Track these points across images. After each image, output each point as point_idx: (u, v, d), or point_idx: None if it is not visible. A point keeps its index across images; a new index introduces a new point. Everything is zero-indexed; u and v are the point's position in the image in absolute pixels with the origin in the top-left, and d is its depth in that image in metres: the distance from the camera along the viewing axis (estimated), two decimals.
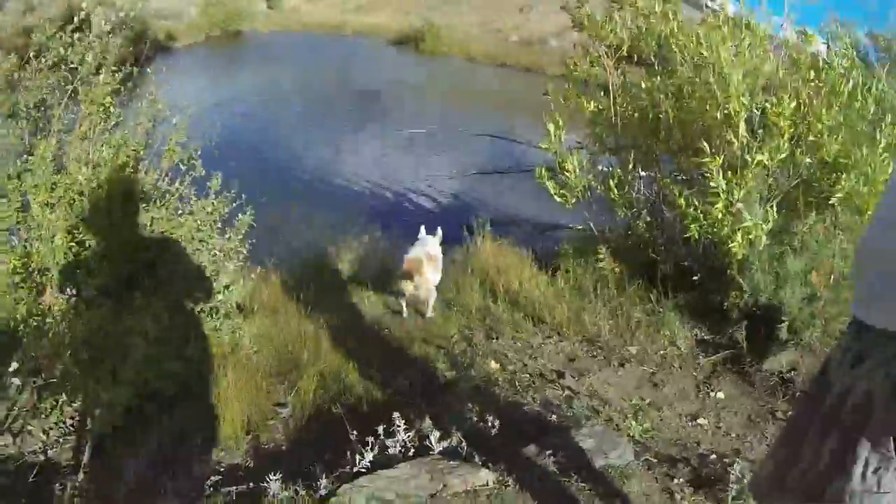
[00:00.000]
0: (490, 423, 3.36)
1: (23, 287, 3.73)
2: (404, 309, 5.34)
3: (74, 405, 3.53)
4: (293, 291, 5.42)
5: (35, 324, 3.49)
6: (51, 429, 3.53)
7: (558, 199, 5.25)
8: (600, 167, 5.63)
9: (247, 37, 32.47)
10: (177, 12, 31.75)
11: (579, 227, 5.89)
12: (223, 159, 11.98)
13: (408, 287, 5.13)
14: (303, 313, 4.98)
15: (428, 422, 3.36)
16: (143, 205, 3.75)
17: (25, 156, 4.00)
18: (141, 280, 3.88)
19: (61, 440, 3.54)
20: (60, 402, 3.31)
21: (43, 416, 3.35)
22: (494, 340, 4.79)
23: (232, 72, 25.05)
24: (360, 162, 12.84)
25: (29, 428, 3.53)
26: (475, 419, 3.54)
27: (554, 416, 3.76)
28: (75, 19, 4.29)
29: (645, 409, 3.94)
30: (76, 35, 4.19)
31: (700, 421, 3.91)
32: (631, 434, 3.60)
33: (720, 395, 4.19)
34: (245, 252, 4.81)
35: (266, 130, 15.34)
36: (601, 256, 5.18)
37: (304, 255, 7.02)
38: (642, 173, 5.44)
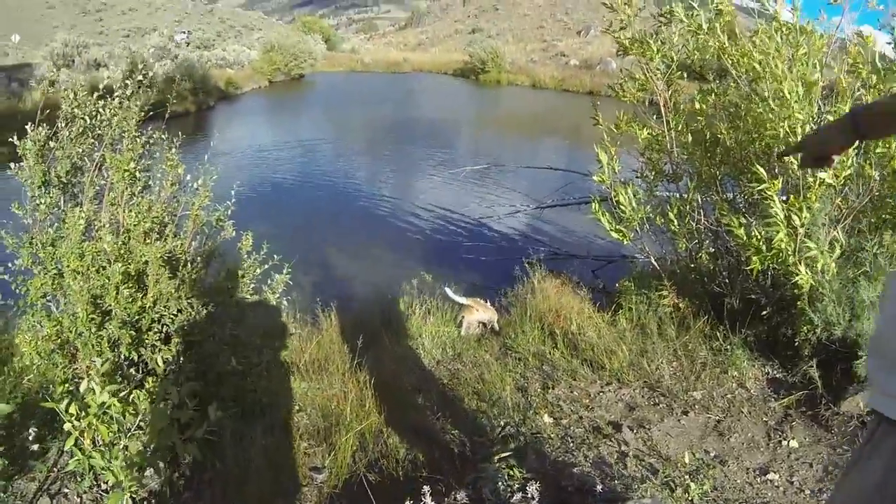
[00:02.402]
0: (530, 496, 3.09)
1: (58, 353, 3.72)
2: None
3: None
4: (343, 340, 5.24)
5: (70, 388, 3.45)
6: (84, 493, 3.47)
7: (615, 236, 4.97)
8: (659, 194, 5.32)
9: (308, 79, 33.13)
10: (238, 60, 32.77)
11: (637, 257, 5.57)
12: (276, 201, 12.43)
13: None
14: (351, 364, 4.77)
15: (462, 494, 3.12)
16: (166, 271, 3.67)
17: (57, 224, 4.02)
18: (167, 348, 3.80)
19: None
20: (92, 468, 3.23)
21: (79, 479, 3.28)
22: (550, 390, 4.51)
23: (292, 113, 25.68)
24: (418, 200, 12.95)
25: (65, 491, 3.50)
26: (516, 487, 3.27)
27: (604, 480, 3.46)
28: (101, 86, 4.29)
29: (708, 464, 3.61)
30: (101, 102, 4.18)
31: (770, 476, 3.57)
32: (690, 499, 3.27)
33: (793, 443, 3.84)
34: (283, 308, 4.69)
35: (322, 172, 15.70)
36: (664, 294, 4.86)
37: (358, 299, 6.92)
38: (702, 201, 5.09)
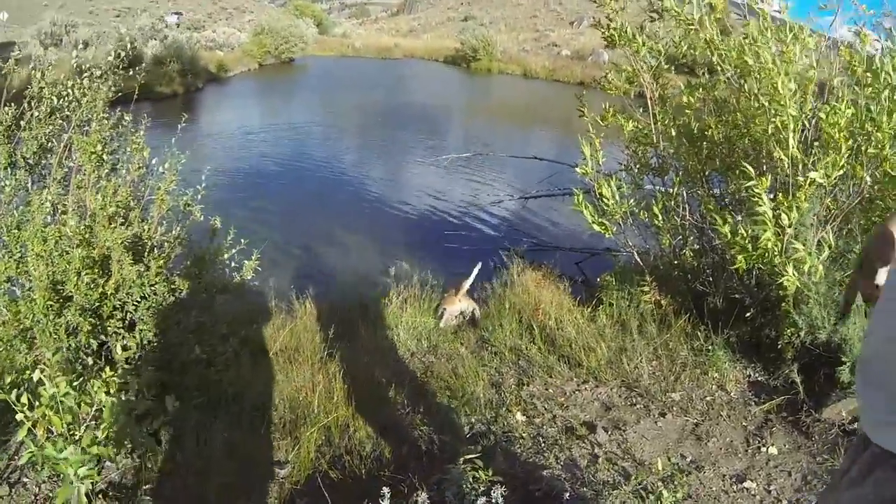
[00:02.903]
0: (494, 500, 2.99)
1: (19, 339, 3.63)
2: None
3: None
4: (317, 329, 5.13)
5: (25, 377, 3.36)
6: (43, 482, 3.40)
7: (597, 229, 4.83)
8: (645, 187, 5.20)
9: (298, 63, 33.00)
10: (228, 42, 32.59)
11: (620, 251, 5.45)
12: (259, 184, 12.33)
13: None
14: (322, 354, 4.67)
15: (423, 496, 3.01)
16: (130, 257, 3.56)
17: (23, 206, 3.92)
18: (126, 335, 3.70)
19: (51, 495, 3.38)
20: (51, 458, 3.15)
21: (38, 469, 3.19)
22: (525, 387, 4.41)
23: (280, 97, 25.61)
24: (403, 186, 12.88)
25: (24, 480, 3.43)
26: (481, 490, 3.17)
27: (574, 486, 3.35)
28: (73, 64, 4.17)
29: (683, 470, 3.51)
30: (70, 83, 4.06)
31: (747, 484, 3.47)
32: None
33: (772, 449, 3.73)
34: (256, 294, 4.60)
35: (308, 156, 15.60)
36: (645, 290, 4.75)
37: (336, 286, 6.82)
38: (688, 196, 4.97)
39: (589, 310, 5.24)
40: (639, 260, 5.19)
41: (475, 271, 5.79)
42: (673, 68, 5.09)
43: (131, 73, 4.42)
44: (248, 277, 4.40)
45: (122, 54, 4.20)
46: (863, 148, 4.02)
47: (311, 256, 8.71)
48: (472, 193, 12.02)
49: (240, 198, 11.25)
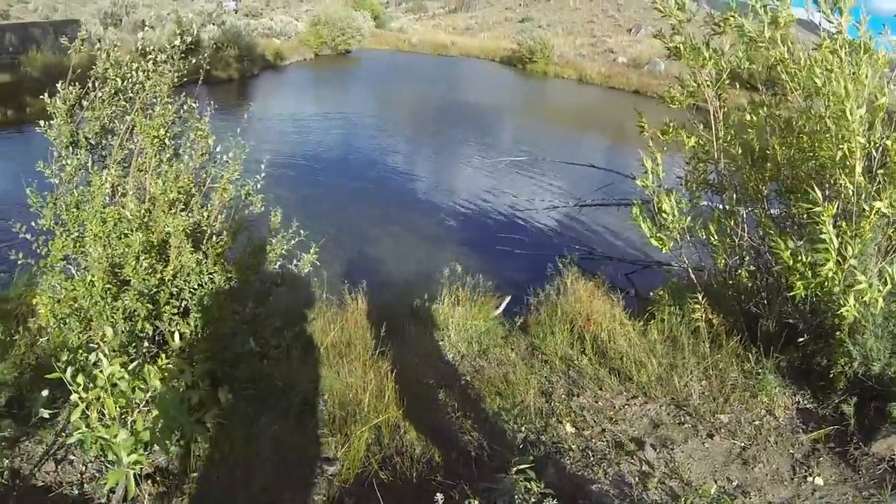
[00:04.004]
0: None
1: (74, 318, 3.62)
2: None
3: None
4: (368, 326, 5.10)
5: (81, 357, 3.35)
6: (90, 462, 3.40)
7: (654, 243, 4.79)
8: (703, 204, 5.14)
9: (354, 55, 33.02)
10: (286, 31, 32.65)
11: (672, 265, 5.38)
12: (311, 173, 12.33)
13: None
14: (373, 353, 4.64)
15: None
16: (189, 244, 3.54)
17: (83, 186, 3.91)
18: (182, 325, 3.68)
19: (98, 475, 3.38)
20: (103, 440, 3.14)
21: (86, 448, 3.18)
22: (575, 398, 4.39)
23: (335, 87, 25.70)
24: (456, 186, 12.85)
25: (71, 458, 3.43)
26: (532, 501, 3.14)
27: (622, 502, 3.32)
28: (139, 45, 4.15)
29: (730, 494, 3.47)
30: (134, 65, 4.04)
31: None
32: None
33: (818, 480, 3.69)
34: (310, 288, 4.58)
35: (362, 148, 15.66)
36: (697, 308, 4.70)
37: (387, 283, 6.81)
38: (747, 216, 4.91)
39: (640, 323, 5.20)
40: (693, 277, 5.13)
41: (504, 303, 5.87)
42: (737, 84, 5.02)
43: (193, 59, 4.40)
44: (305, 271, 4.38)
45: (188, 39, 4.17)
46: None
47: (363, 249, 8.75)
48: (526, 197, 11.97)
49: (292, 185, 11.37)
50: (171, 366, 3.21)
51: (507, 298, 5.94)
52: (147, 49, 4.14)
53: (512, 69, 35.07)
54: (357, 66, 31.88)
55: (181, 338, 3.45)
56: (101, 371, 3.00)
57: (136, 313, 3.48)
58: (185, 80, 4.30)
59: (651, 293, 5.60)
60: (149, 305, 3.50)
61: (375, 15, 43.86)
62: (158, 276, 3.54)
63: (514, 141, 17.89)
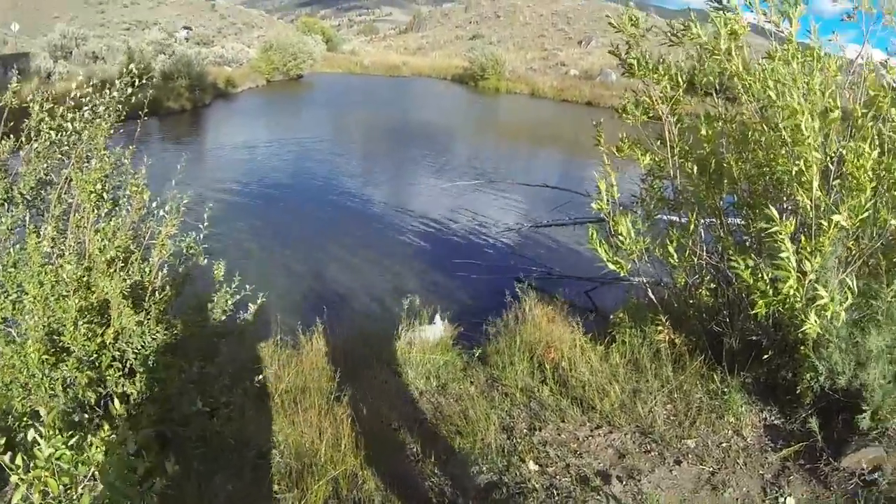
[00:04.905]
0: None
1: (16, 384, 3.49)
2: None
3: None
4: (323, 367, 4.99)
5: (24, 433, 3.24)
6: None
7: (612, 267, 4.67)
8: (660, 218, 5.06)
9: (306, 80, 33.09)
10: (237, 58, 32.61)
11: (632, 279, 5.30)
12: (263, 204, 12.22)
13: None
14: (328, 398, 4.53)
15: None
16: (129, 305, 3.42)
17: (20, 244, 3.77)
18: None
19: None
20: None
21: None
22: (537, 432, 4.29)
23: (287, 113, 25.63)
24: (410, 211, 12.66)
25: None
26: None
27: None
28: (73, 94, 3.99)
29: None
30: (70, 116, 3.90)
31: None
32: None
33: (790, 500, 3.61)
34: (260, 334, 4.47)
35: (314, 175, 15.59)
36: (660, 329, 4.62)
37: (343, 319, 6.69)
38: (705, 232, 4.83)
39: (602, 347, 5.12)
40: (653, 297, 5.05)
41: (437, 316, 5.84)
42: (691, 93, 4.94)
43: (141, 93, 4.26)
44: (252, 321, 4.26)
45: (129, 85, 4.02)
46: (890, 189, 3.89)
47: (319, 282, 8.60)
48: (482, 219, 11.95)
49: (246, 216, 11.33)
50: (114, 435, 3.10)
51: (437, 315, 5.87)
52: (85, 97, 4.00)
53: (464, 87, 35.34)
54: (309, 90, 31.94)
55: (127, 400, 3.35)
56: (40, 450, 2.89)
57: (76, 382, 3.36)
58: (132, 111, 4.19)
59: (612, 316, 5.50)
60: (90, 373, 3.38)
61: (327, 38, 44.08)
62: (99, 339, 3.42)
63: (468, 160, 17.82)
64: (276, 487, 3.71)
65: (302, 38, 35.15)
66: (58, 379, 3.31)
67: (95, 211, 3.77)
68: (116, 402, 3.25)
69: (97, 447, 2.97)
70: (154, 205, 3.90)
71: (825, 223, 3.77)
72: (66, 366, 3.31)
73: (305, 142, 18.88)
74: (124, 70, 4.20)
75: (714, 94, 4.87)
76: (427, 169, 16.44)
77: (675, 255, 4.66)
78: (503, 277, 7.76)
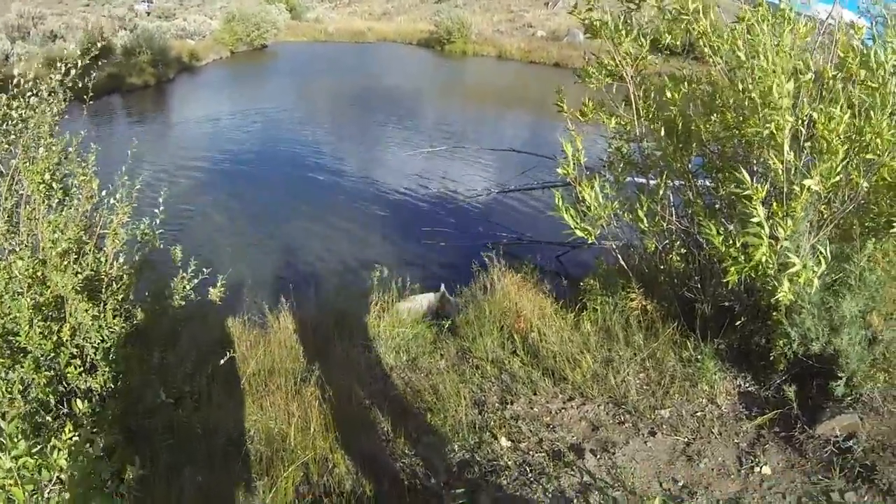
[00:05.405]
0: None
1: None
2: None
3: None
4: (293, 344, 4.92)
5: None
6: None
7: (580, 234, 4.55)
8: (630, 181, 4.96)
9: (270, 50, 32.56)
10: (199, 30, 31.91)
11: (603, 243, 5.21)
12: (228, 177, 12.05)
13: None
14: (297, 379, 4.45)
15: None
16: (84, 299, 3.32)
17: None
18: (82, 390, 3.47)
19: None
20: None
21: None
22: (508, 406, 4.25)
23: (252, 85, 25.06)
24: (378, 179, 12.44)
25: None
26: None
27: None
28: (16, 80, 3.81)
29: (675, 497, 3.39)
30: (15, 103, 3.72)
31: None
32: None
33: (766, 469, 3.61)
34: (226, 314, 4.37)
35: (279, 147, 15.26)
36: (631, 296, 4.56)
37: (311, 294, 6.62)
38: (674, 197, 4.75)
39: (573, 315, 5.06)
40: (623, 263, 4.99)
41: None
42: (658, 53, 4.82)
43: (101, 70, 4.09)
44: (216, 303, 4.14)
45: (73, 68, 3.85)
46: (862, 153, 3.81)
47: (285, 258, 8.44)
48: (450, 186, 11.77)
49: (212, 190, 11.16)
50: (77, 436, 3.03)
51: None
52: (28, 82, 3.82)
53: (430, 51, 34.78)
54: (274, 60, 31.23)
55: (90, 398, 3.27)
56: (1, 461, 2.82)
57: (35, 383, 3.27)
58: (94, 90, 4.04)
59: (582, 283, 5.42)
60: (48, 373, 3.28)
61: (290, 7, 43.03)
62: (55, 337, 3.32)
63: (435, 125, 17.51)
64: (247, 476, 3.66)
65: (265, 8, 34.43)
66: (15, 382, 3.22)
67: (46, 202, 3.64)
68: (78, 401, 3.18)
69: (60, 453, 2.90)
70: (105, 193, 3.76)
71: (797, 188, 3.70)
72: (23, 367, 3.22)
73: (270, 112, 18.57)
74: (76, 50, 4.04)
75: (680, 55, 4.75)
76: (394, 135, 16.21)
77: (645, 220, 4.56)
78: (474, 244, 7.70)
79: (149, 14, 37.12)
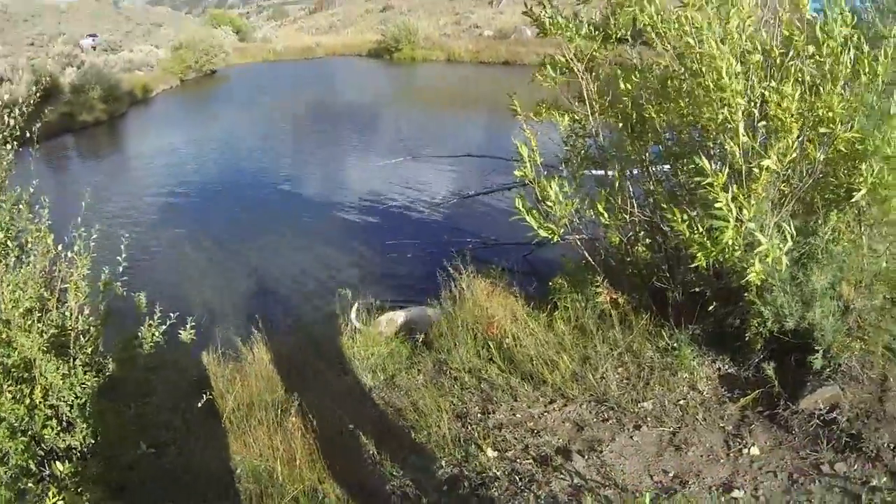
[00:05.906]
0: None
1: None
2: None
3: None
4: (270, 375, 4.86)
5: None
6: None
7: (544, 234, 4.51)
8: (588, 175, 4.95)
9: (221, 74, 32.59)
10: (147, 61, 31.63)
11: (567, 239, 5.18)
12: (188, 209, 11.95)
13: None
14: (276, 411, 4.37)
15: None
16: (52, 359, 3.25)
17: None
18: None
19: None
20: None
21: None
22: (491, 415, 4.23)
23: (204, 113, 24.97)
24: (337, 196, 12.54)
25: None
26: None
27: None
28: None
29: (667, 489, 3.40)
30: None
31: (735, 493, 3.34)
32: None
33: (754, 450, 3.62)
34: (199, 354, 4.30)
35: (237, 172, 15.28)
36: (599, 290, 4.56)
37: (282, 322, 6.63)
38: (634, 188, 4.75)
39: (545, 315, 5.05)
40: (590, 259, 4.98)
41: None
42: (606, 46, 4.80)
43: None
44: (188, 344, 4.08)
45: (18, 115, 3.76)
46: (816, 126, 3.83)
47: (253, 286, 8.39)
48: (411, 196, 11.81)
49: (175, 222, 11.13)
50: (63, 500, 2.98)
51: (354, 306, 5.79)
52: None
53: (380, 60, 35.19)
54: (225, 84, 31.27)
55: (70, 457, 3.21)
56: None
57: (13, 450, 3.20)
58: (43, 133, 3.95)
59: (550, 282, 5.40)
60: (23, 439, 3.21)
61: (237, 28, 43.14)
62: (27, 400, 3.26)
63: (392, 136, 17.63)
64: None
65: (211, 33, 34.48)
66: None
67: (3, 261, 3.55)
68: (58, 463, 3.12)
69: None
70: (61, 247, 3.68)
71: (756, 169, 3.71)
72: None
73: (224, 138, 18.57)
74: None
75: (629, 44, 4.74)
76: (351, 150, 16.26)
77: (606, 214, 4.56)
78: (440, 252, 7.53)
79: (94, 49, 36.75)
